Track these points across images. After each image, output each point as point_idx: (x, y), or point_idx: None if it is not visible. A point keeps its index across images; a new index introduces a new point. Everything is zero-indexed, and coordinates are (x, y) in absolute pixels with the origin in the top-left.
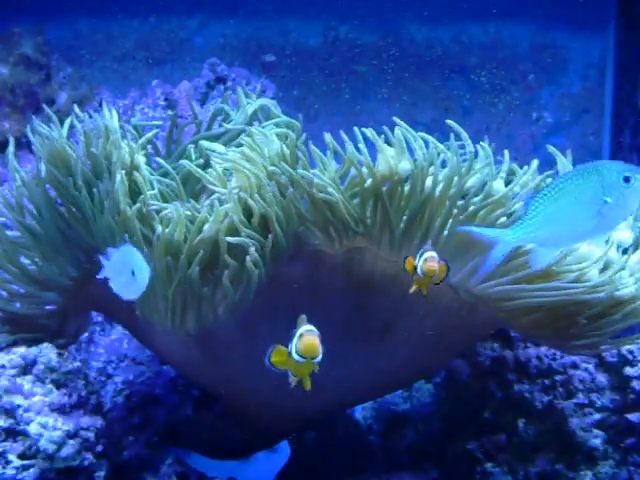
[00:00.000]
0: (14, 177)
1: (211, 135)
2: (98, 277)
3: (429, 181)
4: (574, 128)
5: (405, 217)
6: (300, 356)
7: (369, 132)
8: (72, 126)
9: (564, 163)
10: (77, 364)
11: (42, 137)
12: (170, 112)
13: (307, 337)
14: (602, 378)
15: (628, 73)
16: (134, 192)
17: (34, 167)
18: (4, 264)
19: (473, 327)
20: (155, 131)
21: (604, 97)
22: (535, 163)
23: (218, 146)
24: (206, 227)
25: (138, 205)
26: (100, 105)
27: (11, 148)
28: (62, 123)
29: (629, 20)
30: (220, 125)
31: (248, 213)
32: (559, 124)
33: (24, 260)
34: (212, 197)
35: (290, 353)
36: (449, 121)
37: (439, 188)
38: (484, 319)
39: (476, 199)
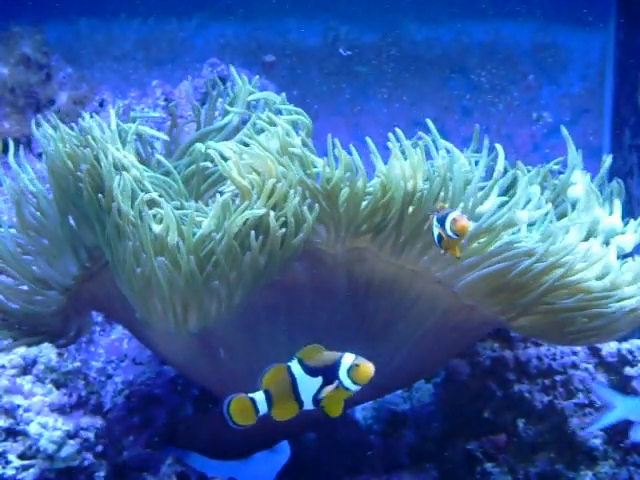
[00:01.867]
0: (19, 174)
1: (212, 129)
2: None
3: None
4: (574, 128)
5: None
6: (355, 384)
7: (392, 139)
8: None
9: (573, 150)
10: (77, 364)
11: (47, 138)
12: (170, 104)
13: (367, 365)
14: (602, 378)
15: (628, 73)
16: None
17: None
18: (7, 262)
19: (472, 328)
20: (137, 123)
21: (604, 97)
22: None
23: (226, 145)
24: (204, 224)
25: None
26: (100, 105)
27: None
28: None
29: (629, 20)
30: (222, 113)
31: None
32: (559, 124)
33: (25, 259)
34: (226, 193)
35: (341, 384)
36: (497, 145)
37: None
38: (483, 320)
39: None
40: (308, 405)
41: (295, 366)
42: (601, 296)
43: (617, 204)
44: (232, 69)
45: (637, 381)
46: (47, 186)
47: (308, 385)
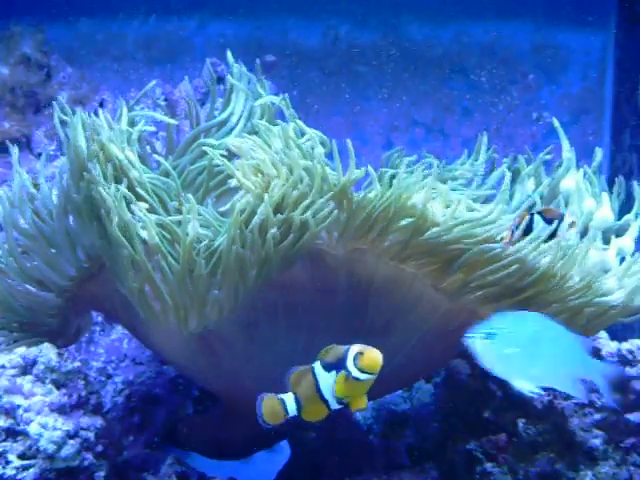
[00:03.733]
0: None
1: (212, 125)
2: None
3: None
4: (574, 128)
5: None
6: (364, 372)
7: (433, 175)
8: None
9: (566, 143)
10: (77, 364)
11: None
12: (162, 103)
13: (372, 352)
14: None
15: (628, 73)
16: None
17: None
18: (6, 262)
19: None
20: (142, 123)
21: (604, 97)
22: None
23: (235, 141)
24: (188, 226)
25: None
26: (100, 105)
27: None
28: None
29: (629, 20)
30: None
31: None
32: (559, 124)
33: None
34: (237, 195)
35: (348, 376)
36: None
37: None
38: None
39: None
40: (333, 404)
41: (317, 366)
42: (599, 300)
43: (605, 196)
44: (229, 54)
45: (637, 381)
46: (47, 186)
47: (327, 382)
